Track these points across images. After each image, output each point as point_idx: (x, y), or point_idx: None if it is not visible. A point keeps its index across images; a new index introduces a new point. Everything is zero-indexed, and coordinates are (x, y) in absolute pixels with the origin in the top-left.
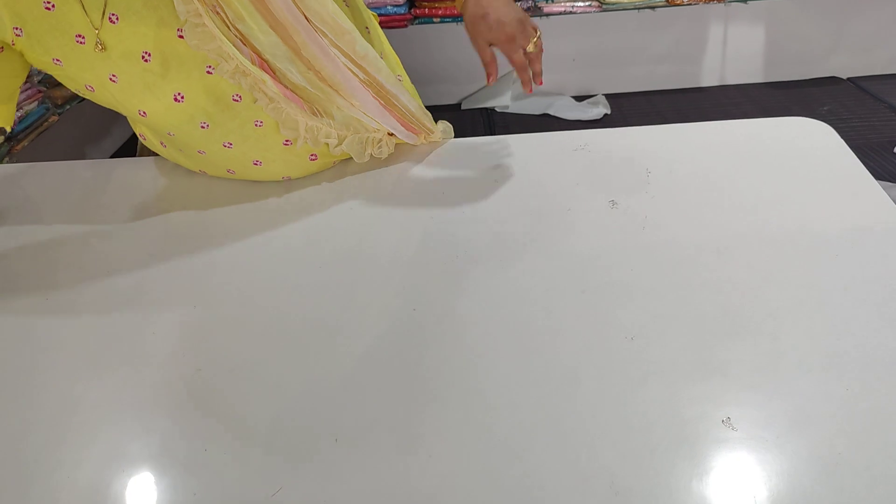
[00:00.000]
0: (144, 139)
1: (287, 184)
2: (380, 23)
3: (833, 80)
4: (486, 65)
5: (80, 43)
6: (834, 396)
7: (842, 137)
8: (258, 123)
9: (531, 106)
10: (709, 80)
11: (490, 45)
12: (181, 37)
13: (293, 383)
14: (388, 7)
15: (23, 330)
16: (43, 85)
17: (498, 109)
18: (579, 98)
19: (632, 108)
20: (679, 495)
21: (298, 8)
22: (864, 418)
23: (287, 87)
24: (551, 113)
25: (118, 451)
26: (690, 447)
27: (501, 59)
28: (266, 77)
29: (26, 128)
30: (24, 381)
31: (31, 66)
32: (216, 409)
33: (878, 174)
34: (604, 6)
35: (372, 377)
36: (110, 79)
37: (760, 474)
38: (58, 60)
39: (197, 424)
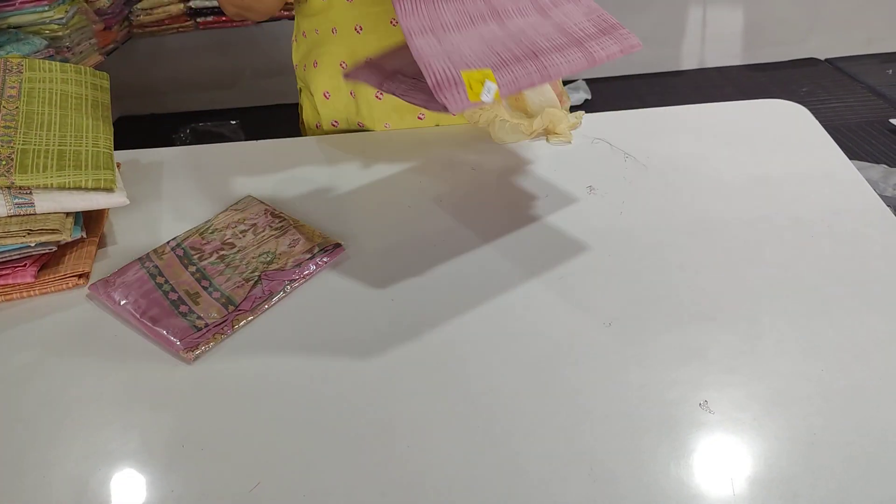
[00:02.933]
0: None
1: None
2: None
3: (811, 62)
4: None
5: None
6: (811, 377)
7: (820, 119)
8: None
9: None
10: (688, 63)
11: None
12: None
13: (270, 376)
14: None
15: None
16: None
17: None
18: None
19: (612, 93)
20: (658, 478)
21: None
22: (840, 398)
23: None
24: None
25: (95, 448)
26: (669, 430)
27: None
28: None
29: None
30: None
31: None
32: (196, 403)
33: (856, 154)
34: None
35: (350, 367)
36: None
37: (738, 455)
38: None
39: (175, 421)
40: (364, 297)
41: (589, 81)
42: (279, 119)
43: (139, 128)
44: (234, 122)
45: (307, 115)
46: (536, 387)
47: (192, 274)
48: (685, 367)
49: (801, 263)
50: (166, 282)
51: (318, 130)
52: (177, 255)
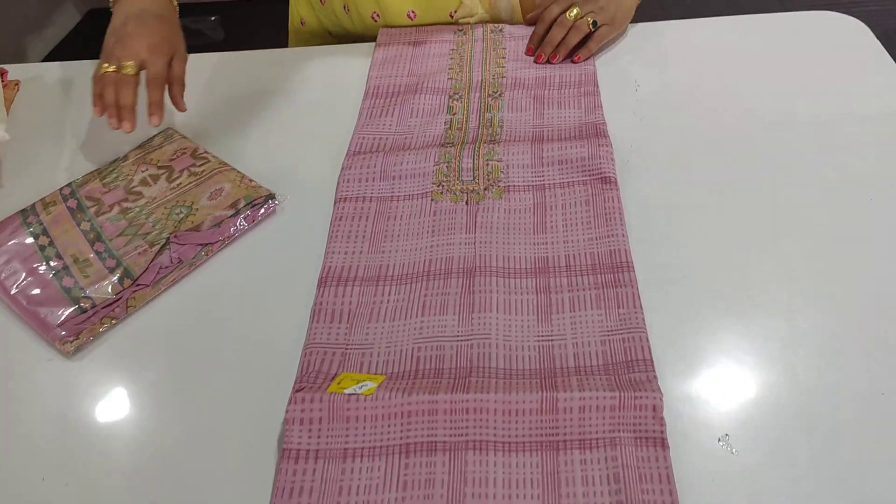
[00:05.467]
0: None
1: None
2: None
3: None
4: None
5: None
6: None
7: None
8: None
9: None
10: None
11: None
12: None
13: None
14: None
15: None
16: None
17: None
18: None
19: None
20: None
21: None
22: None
23: None
24: None
25: None
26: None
27: None
28: None
29: None
30: None
31: None
32: (72, 412)
33: None
34: None
35: (276, 362)
36: None
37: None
38: None
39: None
40: (300, 264)
41: None
42: (265, 16)
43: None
44: (213, 18)
45: (292, 7)
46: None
47: (85, 233)
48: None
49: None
50: (51, 243)
51: (303, 29)
52: (68, 208)
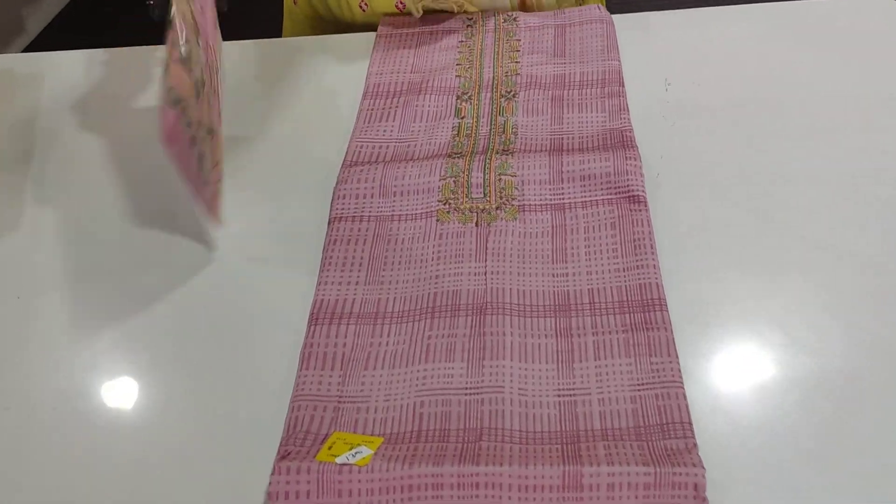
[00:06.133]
0: None
1: None
2: None
3: None
4: None
5: None
6: None
7: None
8: None
9: None
10: None
11: None
12: None
13: None
14: None
15: None
16: None
17: None
18: None
19: None
20: None
21: None
22: None
23: None
24: None
25: None
26: None
27: None
28: None
29: None
30: None
31: None
32: None
33: None
34: None
35: None
36: None
37: None
38: None
39: None
40: (288, 295)
41: None
42: None
43: None
44: None
45: None
46: None
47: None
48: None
49: None
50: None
51: (296, 9)
52: None
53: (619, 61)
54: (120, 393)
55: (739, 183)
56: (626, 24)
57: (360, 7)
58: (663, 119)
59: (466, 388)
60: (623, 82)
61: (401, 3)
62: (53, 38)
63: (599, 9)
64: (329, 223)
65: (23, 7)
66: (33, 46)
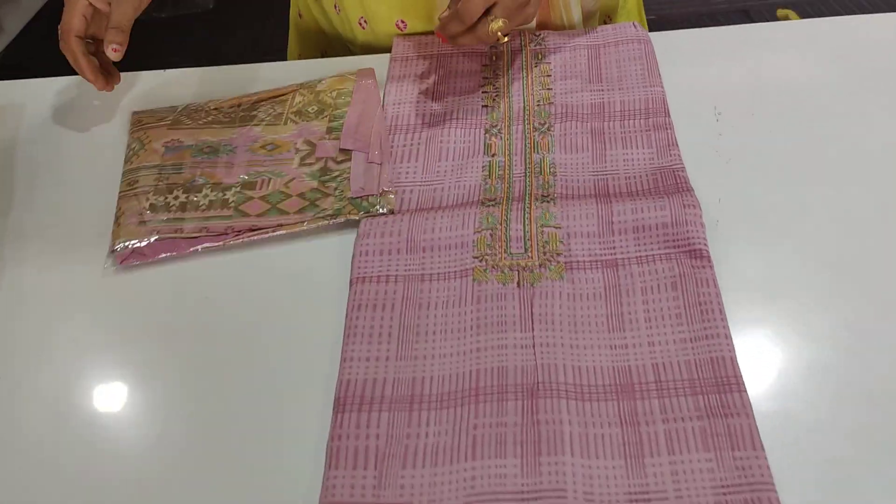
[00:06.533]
0: None
1: None
2: None
3: None
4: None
5: None
6: None
7: None
8: None
9: None
10: None
11: None
12: None
13: None
14: None
15: None
16: None
17: None
18: None
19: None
20: None
21: None
22: None
23: None
24: None
25: None
26: None
27: None
28: None
29: None
30: None
31: None
32: None
33: None
34: None
35: None
36: None
37: None
38: None
39: None
40: (309, 373)
41: None
42: None
43: None
44: None
45: None
46: None
47: None
48: None
49: None
50: None
51: (301, 22)
52: None
53: (663, 87)
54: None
55: (812, 229)
56: (665, 44)
57: (360, 24)
58: (717, 154)
59: (523, 492)
60: (668, 112)
61: (402, 21)
62: (33, 36)
63: (635, 26)
64: (351, 284)
65: (1, 6)
66: (13, 46)
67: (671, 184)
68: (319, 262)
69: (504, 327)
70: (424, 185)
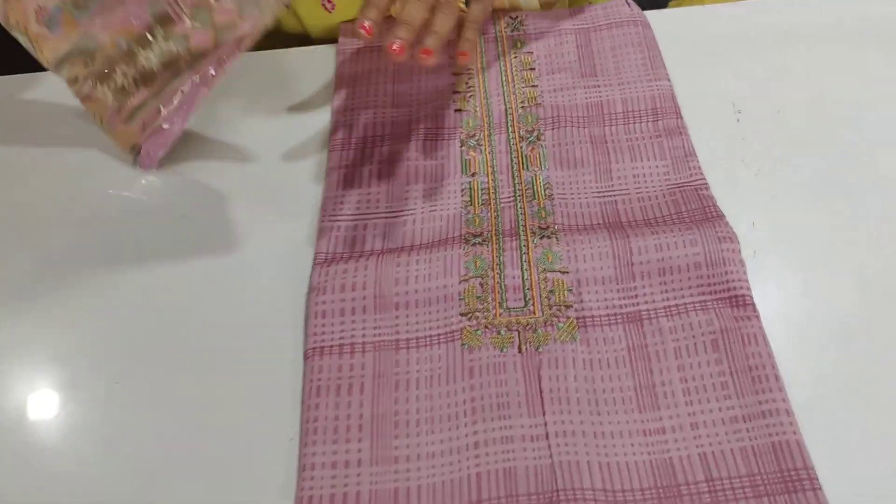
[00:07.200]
0: None
1: None
2: None
3: None
4: None
5: None
6: None
7: None
8: None
9: None
10: None
11: None
12: None
13: None
14: None
15: None
16: None
17: None
18: None
19: None
20: None
21: None
22: None
23: None
24: None
25: None
26: None
27: None
28: None
29: None
30: None
31: None
32: None
33: None
34: None
35: None
36: None
37: None
38: None
39: None
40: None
41: None
42: None
43: None
44: None
45: None
46: None
47: None
48: None
49: None
50: None
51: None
52: None
53: (670, 81)
54: None
55: (873, 259)
56: (665, 25)
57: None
58: (743, 165)
59: None
60: (680, 112)
61: (328, 2)
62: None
63: (629, 4)
64: (305, 359)
65: None
66: None
67: (696, 208)
68: (266, 336)
69: (507, 411)
70: (389, 216)
